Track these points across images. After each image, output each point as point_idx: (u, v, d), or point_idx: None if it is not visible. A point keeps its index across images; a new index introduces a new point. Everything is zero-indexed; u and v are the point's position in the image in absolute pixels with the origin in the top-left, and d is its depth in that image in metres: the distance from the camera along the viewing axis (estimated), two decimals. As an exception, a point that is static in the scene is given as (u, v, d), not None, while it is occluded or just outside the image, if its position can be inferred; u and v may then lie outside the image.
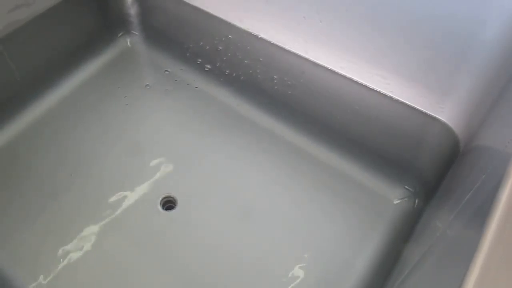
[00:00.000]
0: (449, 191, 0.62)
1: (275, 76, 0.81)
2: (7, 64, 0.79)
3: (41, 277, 0.65)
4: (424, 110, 0.69)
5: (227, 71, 0.87)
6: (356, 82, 0.72)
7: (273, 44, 0.77)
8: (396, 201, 0.73)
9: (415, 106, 0.69)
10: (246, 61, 0.83)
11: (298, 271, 0.66)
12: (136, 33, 0.96)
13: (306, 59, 0.75)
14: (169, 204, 0.73)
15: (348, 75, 0.72)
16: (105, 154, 0.78)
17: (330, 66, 0.73)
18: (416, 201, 0.73)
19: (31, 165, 0.76)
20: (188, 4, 0.84)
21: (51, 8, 0.83)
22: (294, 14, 0.71)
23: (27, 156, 0.77)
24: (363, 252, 0.68)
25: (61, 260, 0.66)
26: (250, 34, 0.79)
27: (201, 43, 0.87)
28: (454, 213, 0.52)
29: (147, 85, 0.89)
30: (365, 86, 0.71)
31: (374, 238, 0.70)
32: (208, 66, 0.89)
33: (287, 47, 0.76)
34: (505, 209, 0.31)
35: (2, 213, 0.71)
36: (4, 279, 0.65)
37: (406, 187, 0.75)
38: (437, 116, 0.68)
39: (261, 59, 0.81)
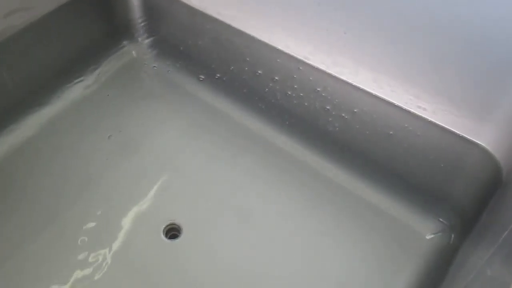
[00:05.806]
0: (490, 225, 0.59)
1: (293, 92, 0.80)
2: (-1, 73, 0.80)
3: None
4: (462, 133, 0.66)
5: (240, 85, 0.86)
6: (387, 101, 0.69)
7: (292, 56, 0.76)
8: (428, 236, 0.70)
9: (452, 129, 0.66)
10: (261, 75, 0.82)
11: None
12: (142, 42, 0.96)
13: (329, 74, 0.73)
14: (172, 232, 0.70)
15: (377, 93, 0.70)
16: (107, 174, 0.76)
17: (355, 83, 0.71)
18: (452, 236, 0.69)
19: (28, 183, 0.74)
20: (201, 13, 0.83)
21: (50, 13, 0.82)
22: (316, 27, 0.70)
23: (23, 174, 0.75)
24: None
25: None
26: (266, 45, 0.78)
27: (213, 54, 0.87)
28: (493, 250, 0.50)
29: (151, 99, 0.88)
30: (396, 106, 0.69)
31: (404, 275, 0.66)
32: (220, 80, 0.88)
33: (307, 60, 0.75)
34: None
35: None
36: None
37: (441, 219, 0.71)
38: (476, 141, 0.65)
39: (278, 72, 0.80)
